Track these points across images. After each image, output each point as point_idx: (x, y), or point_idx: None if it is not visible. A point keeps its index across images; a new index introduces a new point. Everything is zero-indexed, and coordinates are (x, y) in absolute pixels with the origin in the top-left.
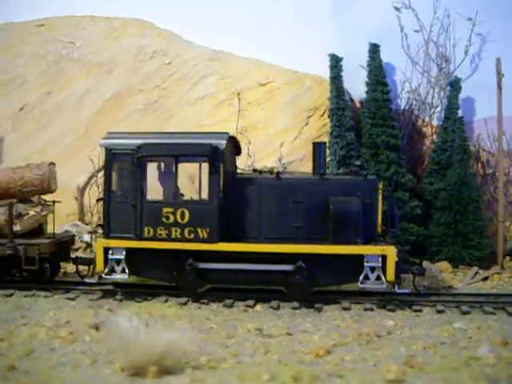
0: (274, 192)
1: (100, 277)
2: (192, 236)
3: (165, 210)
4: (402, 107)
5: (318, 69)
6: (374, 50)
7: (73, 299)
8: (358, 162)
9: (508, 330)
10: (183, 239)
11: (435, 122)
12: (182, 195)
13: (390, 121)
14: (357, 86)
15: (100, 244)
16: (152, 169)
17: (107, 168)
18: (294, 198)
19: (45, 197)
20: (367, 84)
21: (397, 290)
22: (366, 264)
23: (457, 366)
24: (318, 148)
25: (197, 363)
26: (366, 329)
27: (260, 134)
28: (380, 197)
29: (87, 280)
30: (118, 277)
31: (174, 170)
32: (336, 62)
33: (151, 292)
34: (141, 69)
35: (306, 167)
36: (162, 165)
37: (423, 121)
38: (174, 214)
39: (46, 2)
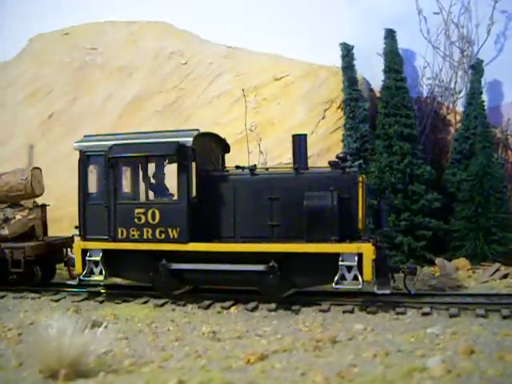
0: (248, 189)
1: (79, 279)
2: (163, 236)
3: (136, 210)
4: (425, 95)
5: (335, 59)
6: (390, 35)
7: (57, 301)
8: (340, 154)
9: (486, 337)
10: (154, 240)
11: (460, 109)
12: (172, 195)
13: (403, 109)
14: (376, 75)
15: (77, 245)
16: (125, 169)
17: (82, 170)
18: (270, 195)
19: (45, 201)
20: (384, 72)
21: (376, 290)
22: (340, 263)
23: (394, 377)
24: (297, 141)
25: (118, 366)
26: (322, 334)
27: (276, 130)
28: (360, 190)
29: (68, 282)
30: (96, 278)
31: (144, 170)
32: (347, 51)
33: (135, 293)
34: (159, 70)
35: (323, 162)
36: (133, 165)
37: (447, 108)
38: (145, 214)
39: (72, 11)
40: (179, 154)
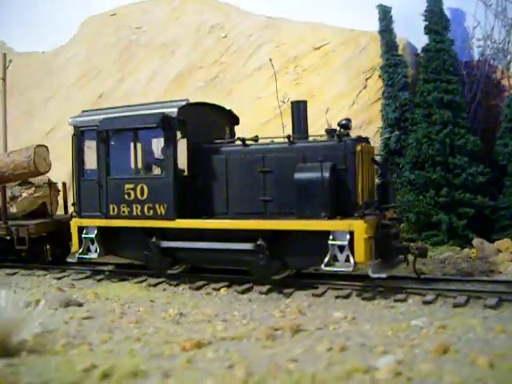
0: (240, 162)
1: (77, 256)
2: (151, 213)
3: (126, 186)
4: (476, 58)
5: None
6: None
7: (59, 278)
8: (343, 121)
9: (476, 333)
10: (143, 216)
11: None
12: (183, 171)
13: (444, 74)
14: (422, 38)
15: (74, 223)
16: (116, 144)
17: (76, 146)
18: (262, 168)
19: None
20: (425, 33)
21: (370, 273)
22: (330, 242)
23: (326, 378)
24: (295, 108)
25: (51, 347)
26: (289, 322)
27: (316, 102)
28: (358, 161)
29: (68, 260)
30: (91, 256)
31: (133, 143)
32: (385, 13)
33: (136, 272)
34: (200, 45)
35: (366, 134)
36: (124, 139)
37: (501, 72)
38: (134, 190)
39: None
40: (164, 125)
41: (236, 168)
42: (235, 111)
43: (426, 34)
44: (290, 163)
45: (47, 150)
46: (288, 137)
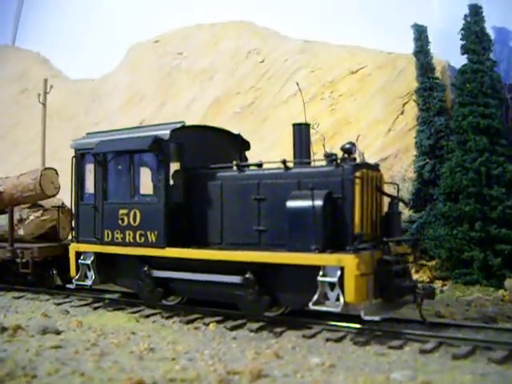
0: (235, 188)
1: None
2: (142, 240)
3: (121, 211)
4: None
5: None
6: (474, 12)
7: (59, 304)
8: (346, 145)
9: None
10: (135, 243)
11: None
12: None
13: (481, 97)
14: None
15: (72, 248)
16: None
17: (76, 169)
18: (256, 195)
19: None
20: (461, 54)
21: (363, 316)
22: (319, 278)
23: None
24: (297, 131)
25: None
26: (250, 366)
27: (351, 129)
28: (357, 188)
29: (67, 285)
30: (87, 283)
31: (128, 167)
32: (420, 33)
33: (135, 302)
34: (237, 71)
35: (402, 164)
36: (120, 163)
37: None
38: (127, 215)
39: (165, 17)
40: (155, 148)
41: (231, 195)
42: (271, 137)
43: (463, 54)
44: (285, 190)
45: (56, 173)
46: (283, 162)
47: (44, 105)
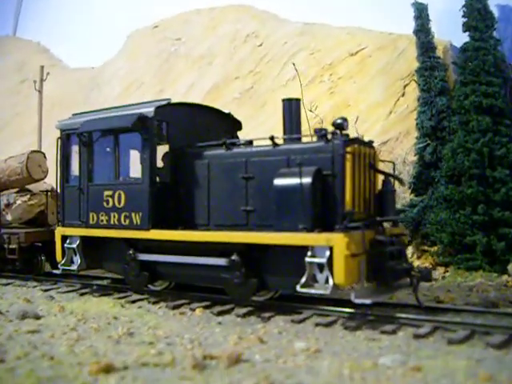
0: (222, 167)
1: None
2: (127, 222)
3: (105, 193)
4: None
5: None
6: None
7: (46, 290)
8: (338, 120)
9: (453, 380)
10: (120, 226)
11: None
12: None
13: (483, 75)
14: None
15: (57, 232)
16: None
17: (61, 150)
18: (244, 174)
19: None
20: (463, 32)
21: (353, 299)
22: (307, 259)
23: None
24: (287, 106)
25: None
26: (230, 351)
27: (351, 111)
28: (348, 165)
29: (53, 271)
30: (72, 268)
31: (113, 147)
32: (420, 12)
33: (123, 288)
34: (235, 55)
35: (403, 147)
36: (105, 143)
37: None
38: (112, 197)
39: (164, 4)
40: (140, 126)
41: (218, 174)
42: (270, 122)
43: (465, 31)
44: (273, 168)
45: (44, 157)
46: (271, 138)
47: (40, 92)
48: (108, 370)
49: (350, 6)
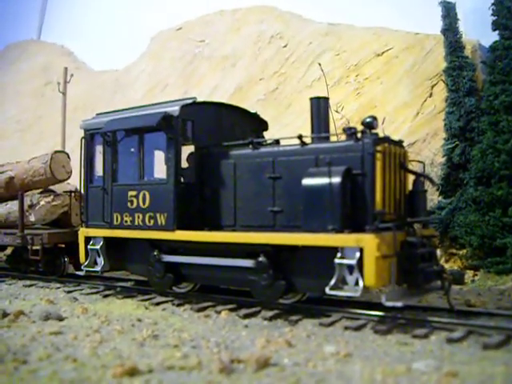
0: (249, 167)
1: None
2: (152, 223)
3: (130, 193)
4: None
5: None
6: None
7: (69, 292)
8: (368, 119)
9: None
10: (145, 226)
11: None
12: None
13: None
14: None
15: (81, 233)
16: (123, 148)
17: (85, 150)
18: (271, 173)
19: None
20: (492, 30)
21: (384, 301)
22: (337, 260)
23: None
24: (315, 105)
25: None
26: (258, 354)
27: (378, 113)
28: (379, 164)
29: (77, 273)
30: (96, 269)
31: (137, 146)
32: (448, 10)
33: (147, 290)
34: (260, 56)
35: (431, 148)
36: (130, 142)
37: None
38: (137, 197)
39: (187, 5)
40: (165, 125)
41: (244, 174)
42: (296, 124)
43: (494, 30)
44: (302, 167)
45: (68, 157)
46: (299, 137)
47: (64, 94)
48: (132, 373)
49: (375, 6)
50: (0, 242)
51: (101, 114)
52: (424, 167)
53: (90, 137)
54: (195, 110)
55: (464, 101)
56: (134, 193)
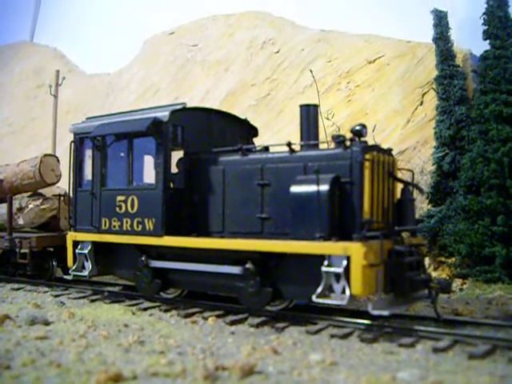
0: (237, 174)
1: (72, 274)
2: (140, 228)
3: (118, 198)
4: None
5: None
6: None
7: (56, 296)
8: (357, 127)
9: None
10: (133, 232)
11: None
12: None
13: (503, 84)
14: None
15: (69, 237)
16: (111, 152)
17: (75, 154)
18: (259, 180)
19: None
20: (483, 40)
21: (371, 310)
22: (324, 268)
23: None
24: (304, 112)
25: None
26: (242, 362)
27: (369, 120)
28: (367, 172)
29: (64, 277)
30: (83, 274)
31: (127, 151)
32: (439, 19)
33: (135, 295)
34: (252, 62)
35: (421, 156)
36: (118, 147)
37: None
38: (125, 202)
39: (180, 10)
40: (154, 130)
41: (233, 180)
42: (287, 130)
43: (485, 39)
44: (290, 175)
45: (58, 161)
46: (288, 144)
47: (55, 96)
48: (116, 379)
49: (366, 13)
50: None
51: (91, 118)
52: (413, 175)
53: (80, 141)
54: (185, 115)
55: (454, 109)
56: (122, 198)
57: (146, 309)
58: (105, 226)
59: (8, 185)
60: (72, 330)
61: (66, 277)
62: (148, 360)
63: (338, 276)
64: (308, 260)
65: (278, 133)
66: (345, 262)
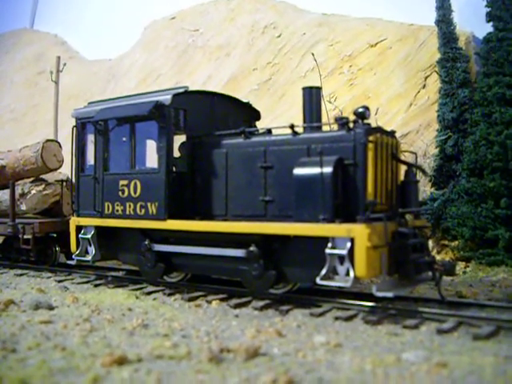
0: (241, 156)
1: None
2: (143, 212)
3: (121, 182)
4: None
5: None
6: None
7: (60, 281)
8: (360, 109)
9: (481, 377)
10: (136, 216)
11: None
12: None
13: (507, 66)
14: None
15: (72, 222)
16: (114, 136)
17: (77, 139)
18: (263, 163)
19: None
20: (486, 22)
21: (375, 292)
22: (327, 251)
23: None
24: (307, 94)
25: None
26: (247, 344)
27: (371, 104)
28: (370, 154)
29: (68, 262)
30: (85, 259)
31: (129, 135)
32: (442, 2)
33: (139, 279)
34: (253, 46)
35: (424, 139)
36: (121, 131)
37: None
38: (128, 186)
39: None
40: (156, 114)
41: (236, 163)
42: (289, 114)
43: (488, 21)
44: (293, 157)
45: (60, 146)
46: (291, 126)
47: (56, 83)
48: (121, 361)
49: None
50: None
51: (93, 102)
52: (416, 158)
53: (82, 126)
54: (187, 99)
55: (457, 92)
56: (125, 182)
57: (149, 293)
58: (108, 210)
59: (10, 171)
60: (76, 314)
61: (69, 262)
62: (152, 343)
63: (342, 258)
64: (312, 242)
65: (279, 116)
66: (349, 244)
